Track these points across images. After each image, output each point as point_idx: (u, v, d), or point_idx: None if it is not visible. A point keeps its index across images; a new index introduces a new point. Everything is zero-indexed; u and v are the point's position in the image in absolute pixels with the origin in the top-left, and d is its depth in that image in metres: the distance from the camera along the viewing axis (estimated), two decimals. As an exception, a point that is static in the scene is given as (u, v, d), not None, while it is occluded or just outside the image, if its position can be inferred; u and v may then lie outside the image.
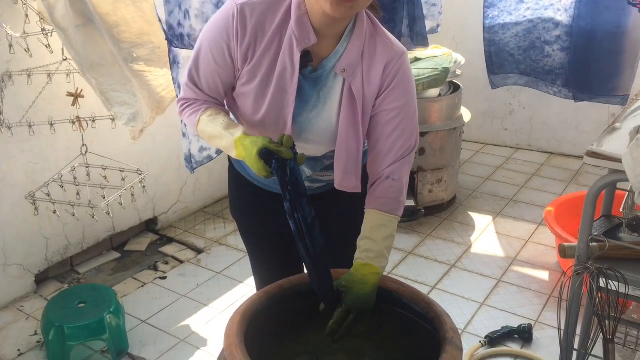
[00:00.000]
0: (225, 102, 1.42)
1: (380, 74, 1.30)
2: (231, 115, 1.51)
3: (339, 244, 1.47)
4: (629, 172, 1.30)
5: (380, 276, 1.33)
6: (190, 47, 2.15)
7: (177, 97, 1.52)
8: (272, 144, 1.20)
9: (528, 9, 3.10)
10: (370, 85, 1.31)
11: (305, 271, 1.73)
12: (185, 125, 2.37)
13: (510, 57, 3.25)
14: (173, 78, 2.31)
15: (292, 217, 1.23)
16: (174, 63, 2.27)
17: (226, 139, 1.28)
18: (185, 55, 2.29)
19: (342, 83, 1.31)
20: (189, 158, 2.43)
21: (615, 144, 1.54)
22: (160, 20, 2.14)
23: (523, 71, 3.27)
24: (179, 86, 2.27)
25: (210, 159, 2.54)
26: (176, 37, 2.16)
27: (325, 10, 1.18)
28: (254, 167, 1.23)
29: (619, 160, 1.43)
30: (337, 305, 1.33)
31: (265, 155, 1.19)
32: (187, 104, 1.38)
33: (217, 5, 2.16)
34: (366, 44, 1.29)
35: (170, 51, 2.24)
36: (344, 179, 1.39)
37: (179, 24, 2.14)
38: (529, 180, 3.90)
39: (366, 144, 1.42)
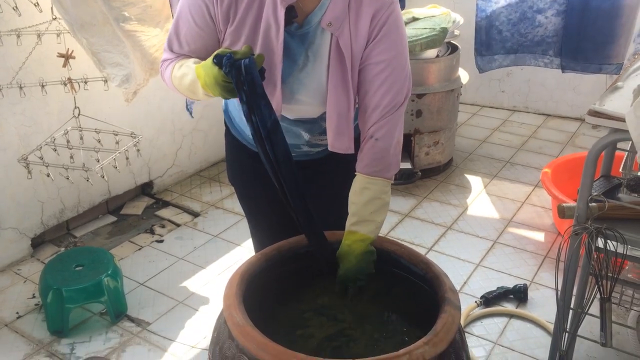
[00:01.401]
0: None
1: (367, 24, 1.24)
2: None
3: (334, 205, 1.46)
4: (632, 130, 1.29)
5: (369, 241, 1.31)
6: None
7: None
8: (225, 49, 1.14)
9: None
10: (358, 38, 1.26)
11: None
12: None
13: (498, 34, 3.22)
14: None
15: (250, 120, 1.17)
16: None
17: (190, 71, 1.23)
18: None
19: (330, 39, 1.26)
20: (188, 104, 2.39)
21: (618, 103, 1.52)
22: None
23: (509, 49, 3.24)
24: None
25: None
26: None
27: None
28: (210, 78, 1.15)
29: (621, 120, 1.41)
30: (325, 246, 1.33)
31: (219, 57, 1.12)
32: (166, 65, 1.35)
33: None
34: None
35: (171, 5, 2.18)
36: (336, 140, 1.34)
37: None
38: (526, 142, 3.89)
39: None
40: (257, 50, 1.25)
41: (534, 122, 4.19)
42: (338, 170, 1.47)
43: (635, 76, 1.72)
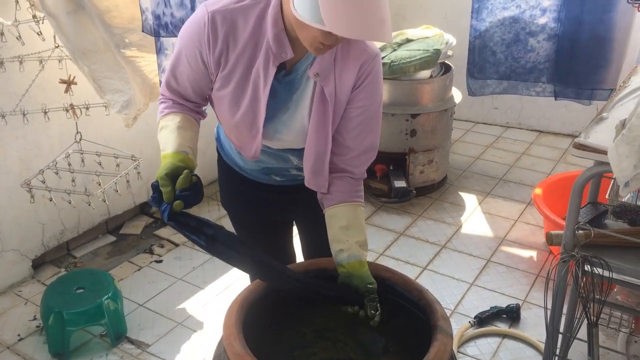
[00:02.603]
0: (205, 102, 1.46)
1: (354, 74, 1.32)
2: (215, 131, 1.59)
3: (324, 231, 1.51)
4: (614, 167, 1.34)
5: (364, 263, 1.37)
6: (174, 35, 2.16)
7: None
8: (164, 180, 1.22)
9: (518, -9, 3.11)
10: (342, 86, 1.33)
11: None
12: None
13: (491, 55, 3.28)
14: (158, 64, 2.31)
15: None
16: (159, 51, 2.26)
17: (161, 149, 1.33)
18: (171, 43, 2.28)
19: (314, 85, 1.33)
20: None
21: (602, 135, 1.57)
22: (144, 11, 2.13)
23: (502, 74, 3.31)
24: (163, 71, 2.29)
25: None
26: (162, 27, 2.16)
27: (309, 50, 1.22)
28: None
29: (605, 152, 1.47)
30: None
31: (155, 188, 1.23)
32: (162, 101, 1.43)
33: None
34: (339, 47, 1.29)
35: (157, 40, 2.24)
36: (312, 178, 1.42)
37: (164, 14, 2.14)
38: (519, 159, 3.96)
39: None
40: (246, 97, 1.32)
41: (526, 139, 4.26)
42: None
43: (620, 106, 1.78)
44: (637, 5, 1.72)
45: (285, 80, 1.33)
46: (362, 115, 1.36)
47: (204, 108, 1.47)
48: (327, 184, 1.42)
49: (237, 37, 1.27)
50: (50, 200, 2.49)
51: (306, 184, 1.44)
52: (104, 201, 2.51)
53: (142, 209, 3.27)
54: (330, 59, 1.30)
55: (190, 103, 1.41)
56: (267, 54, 1.27)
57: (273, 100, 1.33)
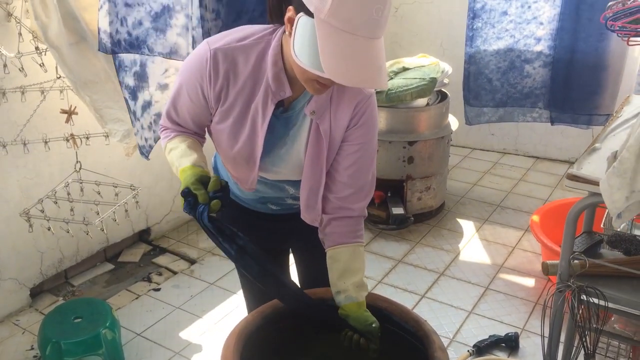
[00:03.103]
0: (201, 132, 1.49)
1: (349, 113, 1.35)
2: (212, 161, 1.61)
3: (321, 259, 1.53)
4: (606, 199, 1.36)
5: (364, 305, 1.40)
6: (126, 50, 2.19)
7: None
8: (195, 184, 1.26)
9: (511, 21, 3.17)
10: (337, 124, 1.36)
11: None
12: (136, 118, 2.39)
13: (487, 83, 3.32)
14: (120, 82, 2.32)
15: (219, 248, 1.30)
16: (119, 69, 2.29)
17: (175, 168, 1.37)
18: (130, 59, 2.30)
19: (310, 122, 1.37)
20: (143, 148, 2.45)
21: (595, 166, 1.60)
22: (100, 30, 2.17)
23: (499, 101, 3.34)
24: (127, 89, 2.30)
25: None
26: (115, 44, 2.20)
27: (307, 90, 1.26)
28: (181, 202, 1.29)
29: (598, 183, 1.49)
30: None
31: (186, 194, 1.26)
32: (163, 129, 1.47)
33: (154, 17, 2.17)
34: (335, 86, 1.32)
35: (115, 57, 2.27)
36: (306, 211, 1.46)
37: (117, 31, 2.18)
38: (516, 185, 3.98)
39: None
40: (244, 132, 1.35)
41: (523, 165, 4.29)
42: None
43: (612, 137, 1.81)
44: (626, 39, 1.76)
45: (283, 116, 1.37)
46: (358, 153, 1.39)
47: (204, 136, 1.51)
48: (319, 218, 1.45)
49: (238, 75, 1.31)
50: (49, 230, 2.50)
51: (302, 217, 1.47)
52: (103, 230, 2.52)
53: (140, 237, 3.28)
54: (327, 98, 1.34)
55: (191, 131, 1.45)
56: (266, 92, 1.31)
57: (270, 135, 1.36)
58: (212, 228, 1.25)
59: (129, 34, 2.15)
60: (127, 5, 2.11)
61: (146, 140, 2.38)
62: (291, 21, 1.17)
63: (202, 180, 1.28)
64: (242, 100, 1.33)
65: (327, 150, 1.37)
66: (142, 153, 2.43)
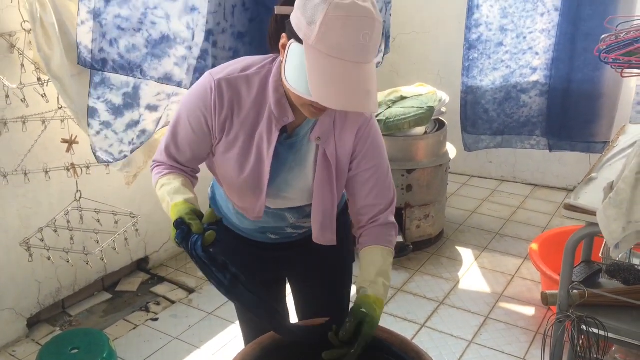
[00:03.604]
0: (198, 168, 1.49)
1: (352, 138, 1.39)
2: (213, 182, 1.59)
3: (319, 289, 1.53)
4: (603, 229, 1.37)
5: (383, 305, 1.38)
6: (114, 71, 2.22)
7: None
8: (190, 214, 1.24)
9: (507, 52, 3.22)
10: (343, 147, 1.39)
11: (295, 317, 1.79)
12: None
13: (484, 113, 3.36)
14: (95, 96, 2.30)
15: (210, 282, 1.27)
16: (100, 84, 2.29)
17: (166, 202, 1.33)
18: (122, 80, 2.32)
19: (316, 147, 1.39)
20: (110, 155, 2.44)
21: (592, 196, 1.61)
22: (79, 44, 2.18)
23: (496, 130, 3.38)
24: (107, 105, 2.31)
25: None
26: (98, 62, 2.22)
27: (304, 114, 1.27)
28: (171, 233, 1.26)
29: (595, 214, 1.50)
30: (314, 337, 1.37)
31: (178, 225, 1.23)
32: (156, 166, 1.45)
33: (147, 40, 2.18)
34: (337, 111, 1.35)
35: (95, 74, 2.27)
36: (321, 234, 1.47)
37: (101, 50, 2.20)
38: (514, 213, 3.99)
39: (344, 197, 1.53)
40: (250, 160, 1.36)
41: (522, 193, 4.30)
42: (320, 253, 1.55)
43: (608, 167, 1.83)
44: (619, 71, 1.79)
45: (287, 142, 1.39)
46: (375, 177, 1.42)
47: (197, 174, 1.50)
48: (335, 238, 1.47)
49: (242, 104, 1.33)
50: (49, 259, 2.50)
51: (314, 240, 1.47)
52: (102, 260, 2.51)
53: (139, 266, 3.27)
54: (330, 122, 1.36)
55: (186, 168, 1.44)
56: (269, 119, 1.33)
57: (276, 162, 1.38)
58: (206, 258, 1.21)
59: (121, 56, 2.16)
60: (119, 28, 2.12)
61: (120, 152, 2.42)
62: (284, 47, 1.21)
63: (196, 213, 1.26)
64: (247, 128, 1.35)
65: (336, 172, 1.40)
66: (103, 161, 2.41)
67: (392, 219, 1.48)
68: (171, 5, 2.07)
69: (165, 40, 2.10)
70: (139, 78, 2.21)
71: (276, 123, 1.32)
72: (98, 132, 2.35)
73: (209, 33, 2.03)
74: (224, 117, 1.33)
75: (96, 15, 2.09)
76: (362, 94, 1.15)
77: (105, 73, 2.26)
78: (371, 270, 1.39)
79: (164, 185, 1.38)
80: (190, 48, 2.08)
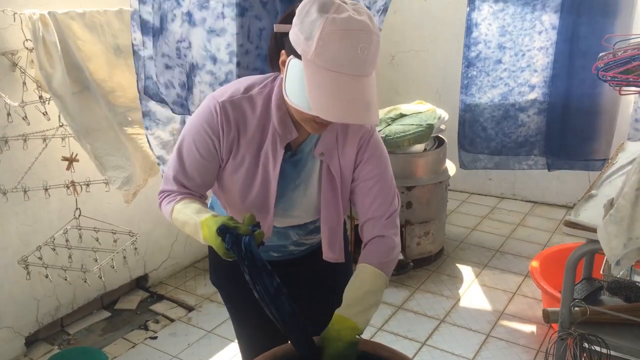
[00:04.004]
0: (207, 193, 1.47)
1: (354, 149, 1.39)
2: (212, 201, 1.58)
3: (318, 305, 1.51)
4: (604, 246, 1.37)
5: (358, 333, 1.33)
6: (172, 111, 2.25)
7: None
8: (231, 221, 1.23)
9: (505, 69, 3.24)
10: (346, 161, 1.40)
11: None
12: None
13: (482, 131, 3.37)
14: (147, 127, 2.37)
15: (254, 288, 1.24)
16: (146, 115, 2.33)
17: (193, 221, 1.30)
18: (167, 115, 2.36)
19: (320, 163, 1.40)
20: None
21: (592, 213, 1.61)
22: (149, 78, 2.21)
23: (494, 150, 3.38)
24: (157, 139, 2.34)
25: None
26: (154, 95, 2.24)
27: (307, 129, 1.28)
28: (214, 244, 1.23)
29: (595, 230, 1.50)
30: None
31: (223, 231, 1.21)
32: (165, 195, 1.42)
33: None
34: (339, 126, 1.37)
35: (143, 105, 2.31)
36: (329, 250, 1.47)
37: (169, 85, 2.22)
38: (514, 230, 3.98)
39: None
40: (257, 180, 1.36)
41: (521, 210, 4.30)
42: (319, 269, 1.54)
43: (608, 183, 1.83)
44: (617, 89, 1.80)
45: (292, 160, 1.39)
46: (377, 186, 1.41)
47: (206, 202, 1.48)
48: (342, 255, 1.47)
49: (247, 124, 1.33)
50: (47, 277, 2.48)
51: (324, 257, 1.47)
52: (101, 278, 2.50)
53: (138, 284, 3.25)
54: (333, 137, 1.37)
55: (196, 194, 1.42)
56: (274, 137, 1.33)
57: (282, 180, 1.38)
58: (260, 260, 1.19)
59: (178, 95, 2.19)
60: (195, 67, 2.11)
61: None
62: (284, 64, 1.22)
63: (234, 220, 1.24)
64: (253, 148, 1.35)
65: (341, 187, 1.40)
66: None
67: (391, 234, 1.43)
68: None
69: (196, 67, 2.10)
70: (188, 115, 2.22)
71: (280, 141, 1.33)
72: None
73: (231, 55, 2.02)
74: (232, 139, 1.34)
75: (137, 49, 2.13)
76: (362, 106, 1.16)
77: (153, 108, 2.29)
78: (358, 291, 1.36)
79: (182, 209, 1.35)
80: (212, 73, 2.07)
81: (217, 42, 2.02)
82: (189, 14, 2.02)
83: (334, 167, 1.38)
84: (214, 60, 2.05)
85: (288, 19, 1.23)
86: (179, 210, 1.35)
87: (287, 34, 1.22)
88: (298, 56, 1.17)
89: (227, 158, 1.36)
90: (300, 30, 1.15)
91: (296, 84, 1.19)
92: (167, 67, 2.17)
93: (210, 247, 1.68)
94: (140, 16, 2.12)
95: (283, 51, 1.24)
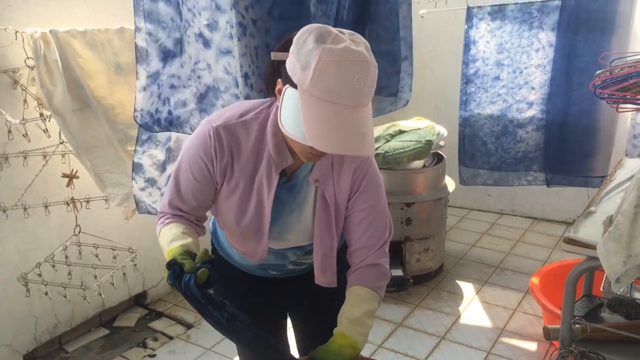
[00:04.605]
0: (205, 216, 1.48)
1: (350, 178, 1.38)
2: (213, 220, 1.59)
3: (318, 324, 1.51)
4: (603, 263, 1.37)
5: (357, 352, 1.34)
6: (166, 129, 2.23)
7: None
8: (182, 255, 1.23)
9: (503, 86, 3.27)
10: (340, 189, 1.39)
11: (295, 352, 1.77)
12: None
13: (482, 145, 3.39)
14: (141, 151, 2.33)
15: (207, 321, 1.25)
16: (147, 141, 2.30)
17: (164, 250, 1.32)
18: (166, 136, 2.33)
19: (315, 189, 1.39)
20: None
21: (591, 230, 1.61)
22: (137, 109, 2.19)
23: (493, 165, 3.40)
24: (152, 159, 2.32)
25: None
26: (155, 122, 2.22)
27: (301, 158, 1.28)
28: (165, 275, 1.25)
29: (595, 247, 1.50)
30: None
31: (172, 265, 1.22)
32: (159, 217, 1.44)
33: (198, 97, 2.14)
34: (335, 154, 1.35)
35: (142, 132, 2.28)
36: (322, 275, 1.46)
37: (157, 111, 2.20)
38: (514, 246, 3.98)
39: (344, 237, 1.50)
40: (251, 205, 1.36)
41: (521, 226, 4.30)
42: (319, 288, 1.53)
43: (607, 200, 1.84)
44: (615, 106, 1.82)
45: (287, 185, 1.39)
46: (369, 217, 1.40)
47: (204, 223, 1.48)
48: (335, 280, 1.46)
49: (241, 150, 1.34)
50: (46, 294, 2.48)
51: (316, 282, 1.47)
52: (100, 295, 2.49)
53: (137, 301, 3.24)
54: (328, 164, 1.37)
55: (191, 216, 1.43)
56: (269, 163, 1.33)
57: (276, 205, 1.38)
58: (200, 296, 1.19)
59: (170, 112, 2.15)
60: (172, 87, 2.09)
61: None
62: (280, 93, 1.22)
63: (190, 254, 1.25)
64: (247, 174, 1.35)
65: (335, 214, 1.40)
66: (143, 211, 2.43)
67: (383, 262, 1.44)
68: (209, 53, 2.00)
69: (210, 90, 2.03)
70: (188, 133, 2.16)
71: (275, 167, 1.33)
72: (143, 189, 2.36)
73: (245, 77, 1.97)
74: (225, 164, 1.34)
75: (154, 78, 2.06)
76: (358, 137, 1.14)
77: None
78: (357, 310, 1.36)
79: (164, 234, 1.37)
80: (237, 96, 2.02)
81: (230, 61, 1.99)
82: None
83: (329, 194, 1.38)
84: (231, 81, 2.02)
85: (285, 47, 1.22)
86: (162, 236, 1.37)
87: (283, 62, 1.21)
88: (294, 85, 1.17)
89: (221, 182, 1.37)
90: (297, 60, 1.15)
91: (291, 113, 1.18)
92: (173, 87, 2.13)
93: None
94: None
95: (279, 80, 1.23)
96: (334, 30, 1.16)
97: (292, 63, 1.17)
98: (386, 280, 1.45)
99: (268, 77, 1.33)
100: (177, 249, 1.27)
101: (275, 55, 1.25)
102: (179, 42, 2.02)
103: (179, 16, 1.97)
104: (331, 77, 1.11)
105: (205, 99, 2.04)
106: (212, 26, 1.88)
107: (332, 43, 1.12)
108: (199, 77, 2.02)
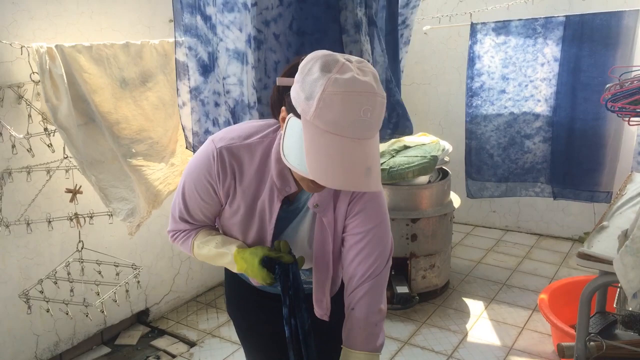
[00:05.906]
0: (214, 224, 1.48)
1: (347, 201, 1.34)
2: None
3: (325, 342, 1.48)
4: (620, 278, 1.34)
5: None
6: None
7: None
8: (271, 251, 1.27)
9: (509, 99, 3.26)
10: (339, 216, 1.35)
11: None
12: None
13: (489, 158, 3.38)
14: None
15: (288, 323, 1.25)
16: None
17: (225, 256, 1.33)
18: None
19: (314, 214, 1.37)
20: None
21: (605, 244, 1.58)
22: (184, 128, 2.15)
23: (501, 177, 3.39)
24: None
25: None
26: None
27: (303, 188, 1.26)
28: (258, 276, 1.27)
29: (610, 262, 1.47)
30: None
31: (267, 263, 1.25)
32: (177, 234, 1.43)
33: (236, 113, 2.08)
34: None
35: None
36: (317, 305, 1.44)
37: (207, 131, 2.16)
38: (520, 263, 3.93)
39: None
40: (253, 229, 1.36)
41: (526, 242, 4.26)
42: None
43: (619, 215, 1.81)
44: (626, 119, 1.80)
45: (288, 209, 1.38)
46: (362, 242, 1.33)
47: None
48: (328, 313, 1.43)
49: (244, 173, 1.32)
50: (48, 312, 2.44)
51: (315, 312, 1.44)
52: (102, 312, 2.45)
53: (139, 318, 3.19)
54: (330, 190, 1.32)
55: (207, 225, 1.44)
56: (271, 189, 1.31)
57: (277, 229, 1.37)
58: (302, 291, 1.25)
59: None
60: (216, 105, 2.01)
61: None
62: (284, 121, 1.18)
63: (268, 249, 1.30)
64: (249, 197, 1.34)
65: (332, 242, 1.36)
66: None
67: (375, 311, 1.34)
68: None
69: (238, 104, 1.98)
70: None
71: (278, 194, 1.31)
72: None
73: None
74: (228, 185, 1.33)
75: (196, 93, 1.99)
76: (362, 172, 1.09)
77: None
78: None
79: (203, 243, 1.38)
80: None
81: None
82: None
83: (327, 220, 1.34)
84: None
85: (291, 72, 1.18)
86: (200, 247, 1.38)
87: (288, 88, 1.17)
88: (298, 115, 1.12)
89: (225, 201, 1.36)
90: (301, 89, 1.10)
91: (294, 144, 1.13)
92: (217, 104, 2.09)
93: (226, 279, 1.67)
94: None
95: (283, 108, 1.19)
96: (341, 58, 1.11)
97: (296, 92, 1.12)
98: (381, 326, 1.36)
99: (274, 102, 1.29)
100: (251, 249, 1.31)
101: (280, 81, 1.21)
102: (212, 56, 1.98)
103: (211, 30, 1.95)
104: (336, 109, 1.05)
105: (234, 115, 2.01)
106: (240, 39, 1.85)
107: (339, 73, 1.07)
108: (227, 91, 1.97)
